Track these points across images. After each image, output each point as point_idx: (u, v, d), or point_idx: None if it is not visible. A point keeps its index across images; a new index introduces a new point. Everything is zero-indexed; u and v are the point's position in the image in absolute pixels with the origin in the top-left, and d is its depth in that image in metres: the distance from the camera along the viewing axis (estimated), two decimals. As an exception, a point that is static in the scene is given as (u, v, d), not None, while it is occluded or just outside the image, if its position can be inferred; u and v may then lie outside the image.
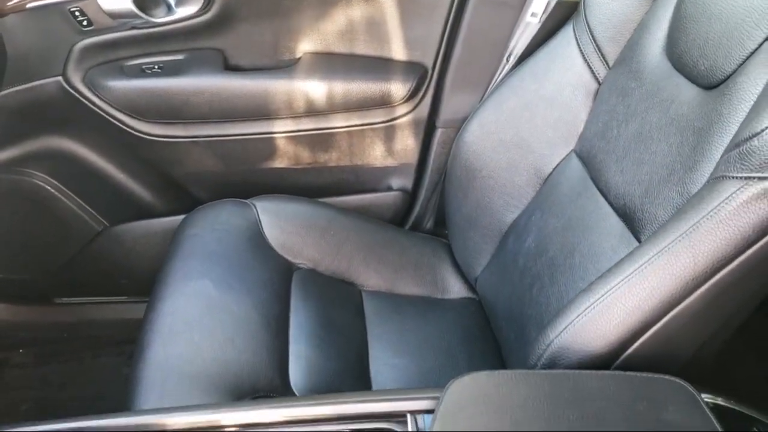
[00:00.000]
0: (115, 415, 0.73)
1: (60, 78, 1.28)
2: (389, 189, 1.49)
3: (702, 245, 0.72)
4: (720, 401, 0.75)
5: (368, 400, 0.75)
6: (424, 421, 0.71)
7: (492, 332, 1.23)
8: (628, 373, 0.73)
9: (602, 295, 0.76)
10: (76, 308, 1.58)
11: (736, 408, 0.76)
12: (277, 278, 1.19)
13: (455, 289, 1.34)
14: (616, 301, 0.75)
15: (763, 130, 0.71)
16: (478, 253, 1.27)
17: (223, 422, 0.73)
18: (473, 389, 0.70)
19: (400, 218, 1.52)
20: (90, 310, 1.58)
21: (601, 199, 1.00)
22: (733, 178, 0.72)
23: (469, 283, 1.33)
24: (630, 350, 0.76)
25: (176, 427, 0.72)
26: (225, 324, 1.04)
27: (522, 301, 1.10)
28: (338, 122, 1.37)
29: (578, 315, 0.77)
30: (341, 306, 1.23)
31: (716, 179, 0.75)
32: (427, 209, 1.50)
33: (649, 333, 0.75)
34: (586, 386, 0.70)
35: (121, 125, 1.34)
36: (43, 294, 1.56)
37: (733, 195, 0.71)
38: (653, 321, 0.75)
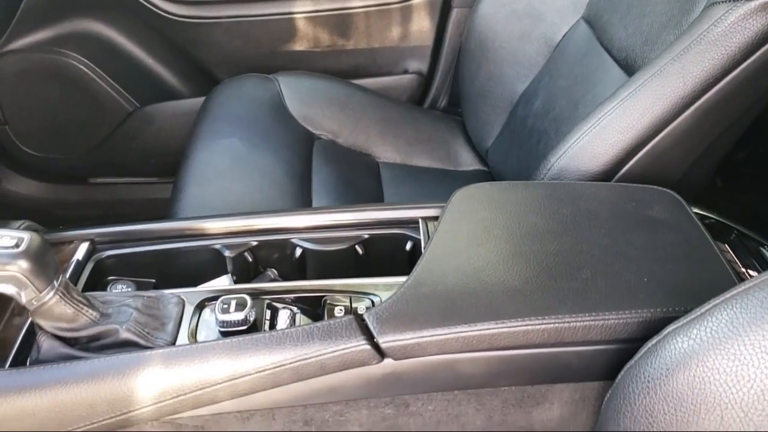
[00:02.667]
0: (159, 221, 0.83)
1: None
2: (405, 72, 1.55)
3: (692, 66, 0.78)
4: (706, 213, 0.82)
5: (384, 208, 0.83)
6: (435, 227, 0.79)
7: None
8: (620, 183, 0.80)
9: (598, 119, 0.83)
10: (109, 188, 1.67)
11: (720, 219, 0.83)
12: (299, 144, 1.26)
13: (467, 161, 1.41)
14: (611, 123, 0.82)
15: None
16: (490, 125, 1.34)
17: (256, 226, 0.81)
18: (477, 195, 0.78)
19: (415, 101, 1.58)
20: (122, 190, 1.67)
21: (606, 55, 1.06)
22: (721, 2, 0.78)
23: (481, 156, 1.40)
24: (624, 169, 0.83)
25: (214, 231, 0.81)
26: (253, 175, 1.13)
27: (529, 160, 1.16)
28: (356, 2, 1.42)
29: (576, 139, 0.84)
30: (359, 172, 1.31)
31: (707, 7, 0.80)
32: (441, 90, 1.56)
33: (641, 152, 0.82)
34: (581, 191, 0.78)
35: (147, 4, 1.40)
36: (79, 174, 1.65)
37: (721, 18, 0.77)
38: (645, 140, 0.82)
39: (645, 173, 0.83)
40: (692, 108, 0.80)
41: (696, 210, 0.78)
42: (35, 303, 0.63)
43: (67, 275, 0.74)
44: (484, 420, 0.67)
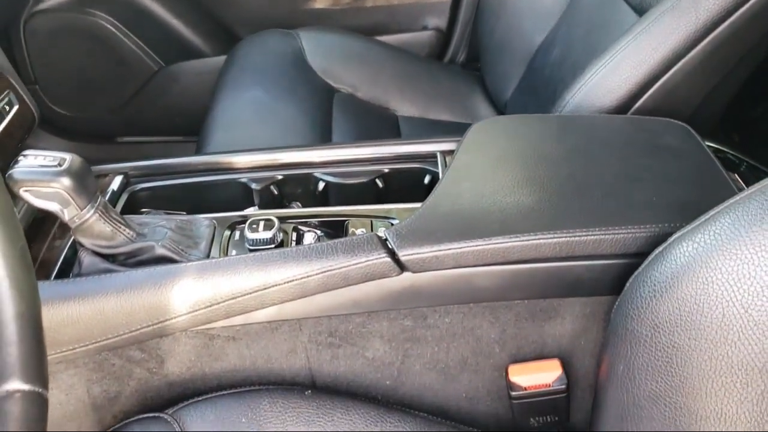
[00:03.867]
0: (189, 155, 0.87)
1: None
2: (424, 28, 1.57)
3: (704, 1, 0.80)
4: (717, 146, 0.84)
5: (403, 143, 0.86)
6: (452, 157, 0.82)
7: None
8: (634, 116, 0.83)
9: (612, 55, 0.85)
10: (136, 147, 1.72)
11: (731, 152, 0.85)
12: (319, 97, 1.30)
13: (485, 115, 1.43)
14: (625, 58, 0.84)
15: None
16: (508, 78, 1.36)
17: (281, 161, 0.85)
18: (493, 127, 0.81)
19: (435, 57, 1.60)
20: (149, 149, 1.72)
21: (622, 3, 1.08)
22: (735, -63, 0.79)
23: (499, 109, 1.42)
24: (637, 104, 0.86)
25: (241, 165, 0.85)
26: (276, 124, 1.17)
27: (546, 109, 1.19)
28: (376, -42, 1.44)
29: (590, 75, 0.87)
30: (378, 124, 1.34)
31: (721, -58, 0.82)
32: (460, 46, 1.58)
33: (654, 87, 0.84)
34: (595, 123, 0.81)
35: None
36: (107, 133, 1.70)
37: (735, -48, 0.78)
38: (658, 74, 0.84)
39: (658, 107, 0.85)
40: (704, 42, 0.81)
41: (708, 143, 0.80)
42: (77, 220, 0.67)
43: (104, 202, 0.78)
44: (498, 333, 0.70)
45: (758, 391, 0.53)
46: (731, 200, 0.56)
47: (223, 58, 1.54)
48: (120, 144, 1.72)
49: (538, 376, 0.69)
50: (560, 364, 0.70)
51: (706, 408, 0.55)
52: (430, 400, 0.75)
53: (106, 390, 0.71)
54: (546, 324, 0.70)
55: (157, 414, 0.67)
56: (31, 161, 0.65)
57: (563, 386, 0.69)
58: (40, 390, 0.38)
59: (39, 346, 0.39)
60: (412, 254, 0.65)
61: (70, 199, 0.65)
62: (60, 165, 0.65)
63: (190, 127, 1.61)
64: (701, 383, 0.55)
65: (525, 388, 0.69)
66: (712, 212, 0.57)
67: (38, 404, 0.37)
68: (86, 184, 0.67)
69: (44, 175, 0.64)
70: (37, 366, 0.38)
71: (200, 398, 0.68)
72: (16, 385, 0.37)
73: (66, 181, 0.65)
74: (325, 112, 1.26)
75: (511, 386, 0.70)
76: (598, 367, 0.67)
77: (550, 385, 0.69)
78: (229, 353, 0.70)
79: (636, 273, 0.60)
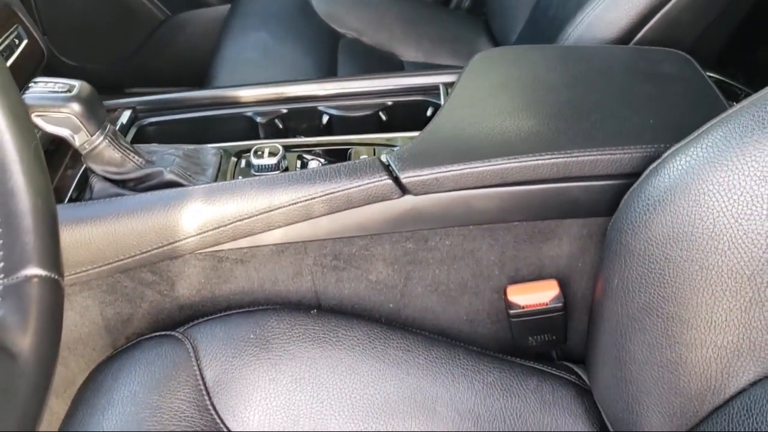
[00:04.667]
0: (196, 89, 0.88)
1: None
2: (429, -26, 1.56)
3: (706, -73, 0.80)
4: (717, 76, 0.85)
5: (406, 75, 0.87)
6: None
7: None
8: (634, 46, 0.83)
9: (615, -14, 0.86)
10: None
11: (731, 82, 0.86)
12: (325, 42, 1.30)
13: (490, 60, 1.43)
14: (627, -11, 0.84)
15: None
16: (513, 20, 1.36)
17: (285, 94, 0.86)
18: (495, 56, 0.82)
19: (440, 3, 1.60)
20: (157, 100, 1.73)
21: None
22: None
23: (504, 54, 1.42)
24: (638, 35, 0.86)
25: (246, 98, 0.86)
26: (282, 66, 1.18)
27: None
28: None
29: (592, 7, 0.87)
30: (384, 69, 1.34)
31: None
32: (465, -8, 1.57)
33: (655, 17, 0.85)
34: (595, 52, 0.81)
35: None
36: (115, 84, 1.71)
37: None
38: (659, 5, 0.84)
39: (659, 39, 0.86)
40: (706, -29, 0.82)
41: (709, 74, 0.81)
42: (87, 147, 0.69)
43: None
44: (497, 254, 0.72)
45: (746, 298, 0.55)
46: (724, 114, 0.58)
47: (228, 6, 1.55)
48: (128, 95, 1.73)
49: (535, 296, 0.71)
50: (558, 284, 0.72)
51: (697, 317, 0.57)
52: (431, 322, 0.77)
53: (119, 312, 0.74)
54: (544, 245, 0.72)
55: (168, 332, 0.70)
56: (42, 87, 0.67)
57: (560, 304, 0.71)
58: (57, 277, 0.40)
59: (54, 239, 0.41)
60: (413, 176, 0.67)
61: (81, 124, 0.67)
62: (70, 91, 0.67)
63: (197, 77, 1.62)
64: (692, 293, 0.57)
65: (523, 307, 0.71)
66: (705, 127, 0.58)
67: (55, 290, 0.40)
68: (96, 110, 0.68)
69: (55, 101, 0.66)
70: (53, 255, 0.40)
71: (210, 317, 0.71)
72: (34, 270, 0.39)
73: (76, 107, 0.66)
74: (330, 57, 1.27)
75: (509, 305, 0.72)
76: (594, 286, 0.69)
77: (547, 304, 0.71)
78: (238, 276, 0.73)
79: (631, 189, 0.62)
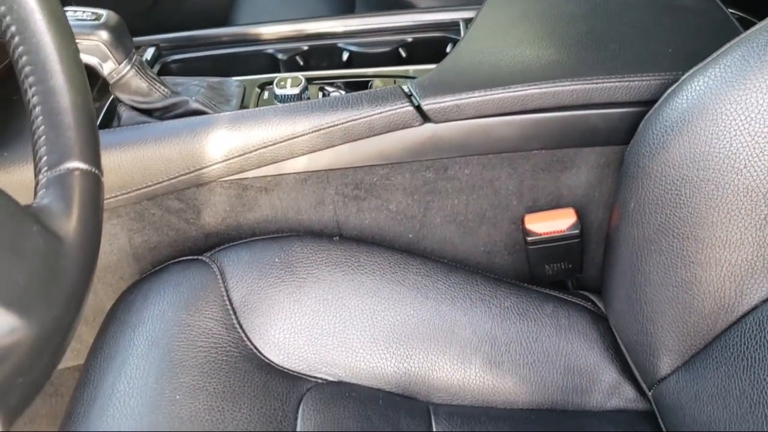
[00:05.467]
0: (218, 27, 0.89)
1: None
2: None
3: None
4: (737, 12, 0.85)
5: (425, 11, 0.88)
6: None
7: None
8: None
9: None
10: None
11: (751, 18, 0.85)
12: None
13: None
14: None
15: None
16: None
17: (306, 31, 0.87)
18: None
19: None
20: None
21: None
22: None
23: None
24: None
25: (268, 36, 0.87)
26: (300, 8, 1.18)
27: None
28: None
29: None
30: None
31: None
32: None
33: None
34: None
35: None
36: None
37: None
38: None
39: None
40: None
41: (731, 11, 0.81)
42: (115, 75, 0.70)
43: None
44: (516, 184, 0.74)
45: (761, 216, 0.56)
46: (742, 35, 0.58)
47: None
48: (145, 48, 1.75)
49: (553, 224, 0.73)
50: (575, 212, 0.73)
51: (712, 236, 0.58)
52: (449, 253, 0.79)
53: (146, 240, 0.77)
54: (562, 175, 0.73)
55: (195, 257, 0.72)
56: (71, 15, 0.69)
57: (577, 231, 0.72)
58: (96, 171, 0.42)
59: (94, 135, 0.43)
60: (434, 104, 0.68)
61: (108, 53, 0.69)
62: (98, 19, 0.69)
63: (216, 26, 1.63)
64: (708, 212, 0.58)
65: (540, 235, 0.73)
66: (723, 48, 0.59)
67: (95, 182, 0.42)
68: (123, 39, 0.70)
69: (83, 28, 0.68)
70: (93, 150, 0.42)
71: (235, 243, 0.73)
72: (76, 164, 0.41)
73: (104, 35, 0.68)
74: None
75: (527, 233, 0.73)
76: (610, 213, 0.71)
77: (564, 231, 0.72)
78: (262, 204, 0.75)
79: (649, 113, 0.63)
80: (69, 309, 0.37)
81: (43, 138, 0.41)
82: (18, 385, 0.31)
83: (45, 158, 0.41)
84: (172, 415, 0.59)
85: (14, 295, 0.33)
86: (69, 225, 0.39)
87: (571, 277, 0.78)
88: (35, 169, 0.41)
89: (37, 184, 0.40)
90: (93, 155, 0.42)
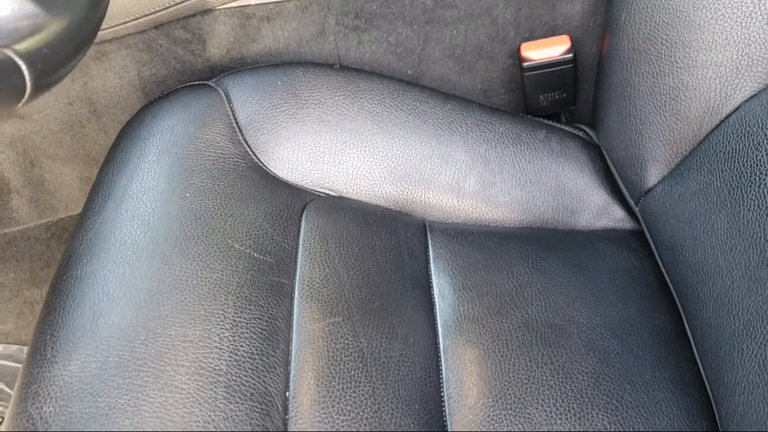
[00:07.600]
0: None
1: None
2: None
3: None
4: None
5: None
6: None
7: None
8: None
9: None
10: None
11: None
12: None
13: None
14: None
15: None
16: None
17: None
18: None
19: None
20: None
21: None
22: None
23: None
24: None
25: None
26: None
27: None
28: None
29: None
30: None
31: None
32: None
33: None
34: None
35: None
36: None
37: None
38: None
39: None
40: None
41: None
42: None
43: None
44: (513, 12, 0.75)
45: (747, 12, 0.59)
46: None
47: None
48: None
49: (548, 50, 0.75)
50: (569, 39, 0.75)
51: (699, 38, 0.61)
52: (447, 91, 0.81)
53: (154, 74, 0.79)
54: (558, 3, 0.75)
55: (202, 82, 0.75)
56: None
57: (571, 56, 0.75)
58: None
59: None
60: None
61: None
62: None
63: None
64: (695, 13, 0.61)
65: (535, 60, 0.75)
66: None
67: None
68: None
69: None
70: None
71: (240, 69, 0.76)
72: None
73: None
74: None
75: (522, 60, 0.76)
76: (602, 35, 0.73)
77: (558, 57, 0.74)
78: (264, 34, 0.77)
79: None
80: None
81: None
82: (43, 54, 0.34)
83: None
84: (183, 209, 0.63)
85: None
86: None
87: (565, 109, 0.81)
88: None
89: None
90: None
